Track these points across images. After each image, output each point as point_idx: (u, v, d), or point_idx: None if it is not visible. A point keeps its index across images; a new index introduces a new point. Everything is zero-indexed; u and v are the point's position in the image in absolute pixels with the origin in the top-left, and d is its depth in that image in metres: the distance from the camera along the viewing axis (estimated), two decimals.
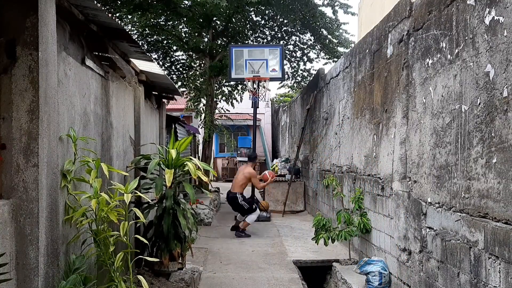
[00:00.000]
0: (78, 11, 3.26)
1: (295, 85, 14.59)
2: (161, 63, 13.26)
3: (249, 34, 12.59)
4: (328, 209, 7.91)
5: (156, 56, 13.18)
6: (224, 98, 13.86)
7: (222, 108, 13.14)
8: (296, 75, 13.89)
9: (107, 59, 4.21)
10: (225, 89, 14.04)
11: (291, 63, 13.70)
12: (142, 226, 4.87)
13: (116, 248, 3.28)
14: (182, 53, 13.17)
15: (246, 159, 18.93)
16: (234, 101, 14.09)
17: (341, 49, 12.28)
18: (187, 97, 13.20)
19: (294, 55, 13.55)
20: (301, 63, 13.60)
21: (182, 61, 13.62)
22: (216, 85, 13.19)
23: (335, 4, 11.32)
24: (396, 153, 4.52)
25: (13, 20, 2.53)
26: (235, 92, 14.07)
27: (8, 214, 2.46)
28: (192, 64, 13.31)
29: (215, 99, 12.38)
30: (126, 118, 4.97)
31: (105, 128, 4.10)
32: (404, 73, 4.36)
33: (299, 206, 10.55)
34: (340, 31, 11.91)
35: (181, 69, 13.86)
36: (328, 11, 11.55)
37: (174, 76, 13.68)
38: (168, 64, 13.61)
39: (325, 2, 11.41)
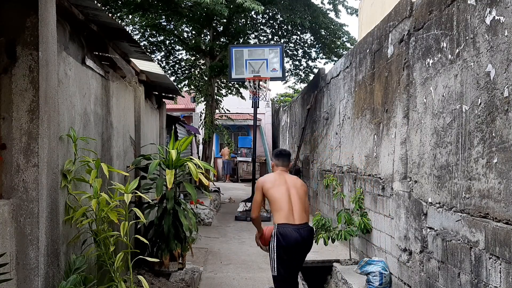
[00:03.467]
0: (78, 11, 3.26)
1: (298, 82, 14.61)
2: (164, 63, 13.29)
3: (250, 33, 12.61)
4: (329, 209, 7.91)
5: (159, 56, 13.21)
6: (229, 92, 13.91)
7: (222, 108, 13.15)
8: (299, 71, 13.91)
9: (108, 59, 4.21)
10: (224, 90, 14.08)
11: (294, 61, 13.73)
12: (143, 226, 4.87)
13: (116, 248, 3.27)
14: (185, 52, 13.21)
15: (247, 159, 18.98)
16: (239, 98, 14.13)
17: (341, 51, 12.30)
18: (193, 93, 13.25)
19: (296, 53, 13.57)
20: (303, 60, 13.63)
21: (187, 61, 13.65)
22: (219, 86, 13.22)
23: (337, 2, 11.32)
24: (396, 153, 4.52)
25: (13, 20, 2.53)
26: (235, 92, 14.11)
27: (8, 214, 2.46)
28: (198, 62, 13.34)
29: (215, 98, 12.39)
30: (127, 118, 4.97)
31: (105, 128, 4.10)
32: (404, 73, 4.35)
33: None
34: (342, 33, 11.92)
35: (184, 68, 13.89)
36: (331, 15, 11.56)
37: (179, 75, 13.70)
38: (172, 64, 13.63)
39: (326, 1, 11.42)
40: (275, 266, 3.76)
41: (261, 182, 3.97)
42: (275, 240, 3.76)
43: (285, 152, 4.21)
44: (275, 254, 3.76)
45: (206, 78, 12.27)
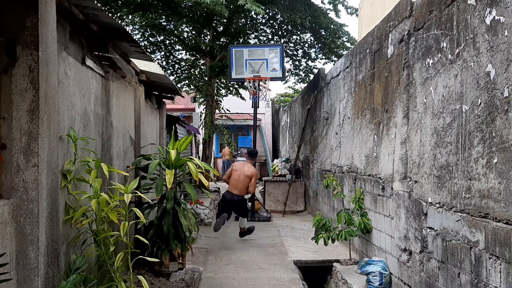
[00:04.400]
0: (78, 11, 3.26)
1: (298, 82, 14.61)
2: (164, 62, 13.28)
3: (250, 33, 12.60)
4: (329, 209, 7.91)
5: (159, 56, 13.20)
6: (229, 92, 13.92)
7: (222, 108, 13.15)
8: (299, 71, 13.91)
9: (108, 59, 4.21)
10: (224, 90, 14.09)
11: (294, 61, 13.72)
12: (143, 227, 4.87)
13: (116, 248, 3.27)
14: (185, 52, 13.21)
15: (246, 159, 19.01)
16: (239, 98, 14.15)
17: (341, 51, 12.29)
18: (192, 93, 13.25)
19: (296, 53, 13.57)
20: (303, 60, 13.63)
21: (187, 61, 13.65)
22: (219, 86, 13.23)
23: (337, 2, 11.31)
24: (396, 153, 4.52)
25: (13, 20, 2.53)
26: (235, 92, 14.13)
27: (8, 214, 2.46)
28: (198, 62, 13.34)
29: (215, 98, 12.39)
30: (127, 118, 4.97)
31: (105, 128, 4.10)
32: (404, 73, 4.35)
33: (300, 206, 10.54)
34: (342, 33, 11.90)
35: (184, 68, 13.89)
36: (331, 14, 11.55)
37: (178, 75, 13.69)
38: (172, 64, 13.63)
39: (326, 1, 11.41)
40: (220, 203, 7.52)
41: (234, 165, 7.58)
42: (222, 195, 7.56)
43: (254, 152, 7.94)
44: (220, 200, 7.70)
45: (206, 78, 12.27)
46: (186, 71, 13.92)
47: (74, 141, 3.10)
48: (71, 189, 3.10)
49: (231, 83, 13.19)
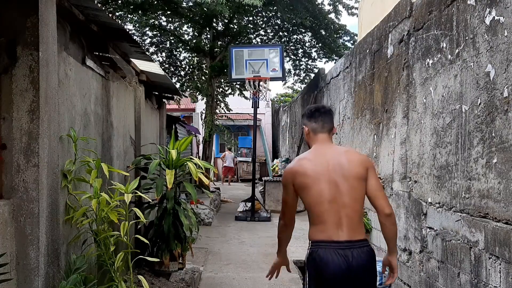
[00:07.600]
0: (78, 11, 3.27)
1: (298, 82, 14.64)
2: (166, 64, 13.30)
3: (250, 32, 12.62)
4: None
5: (160, 58, 13.22)
6: (232, 92, 13.94)
7: (223, 108, 13.17)
8: (299, 71, 13.93)
9: (108, 59, 4.21)
10: (229, 90, 14.11)
11: (294, 62, 13.75)
12: (143, 227, 4.87)
13: (116, 248, 3.27)
14: (188, 54, 13.24)
15: (246, 159, 18.96)
16: (239, 98, 14.16)
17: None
18: (192, 95, 13.30)
19: (296, 53, 13.59)
20: (304, 60, 13.66)
21: (190, 62, 13.67)
22: (223, 86, 13.24)
23: (337, 4, 11.32)
24: (396, 153, 4.52)
25: (13, 20, 2.53)
26: (236, 92, 14.14)
27: (8, 214, 2.46)
28: (200, 65, 13.37)
29: (216, 97, 12.41)
30: (127, 118, 4.97)
31: (106, 128, 4.11)
32: (404, 73, 4.35)
33: (300, 206, 10.50)
34: (344, 33, 11.92)
35: (186, 68, 13.90)
36: (331, 15, 11.58)
37: (180, 77, 13.71)
38: (173, 64, 13.65)
39: (326, 2, 11.44)
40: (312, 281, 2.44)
41: (292, 172, 2.49)
42: (307, 268, 2.49)
43: (324, 109, 2.61)
44: (310, 274, 2.46)
45: (206, 78, 12.29)
46: (189, 72, 13.93)
47: (74, 141, 3.10)
48: (71, 189, 3.10)
49: (229, 83, 13.23)
